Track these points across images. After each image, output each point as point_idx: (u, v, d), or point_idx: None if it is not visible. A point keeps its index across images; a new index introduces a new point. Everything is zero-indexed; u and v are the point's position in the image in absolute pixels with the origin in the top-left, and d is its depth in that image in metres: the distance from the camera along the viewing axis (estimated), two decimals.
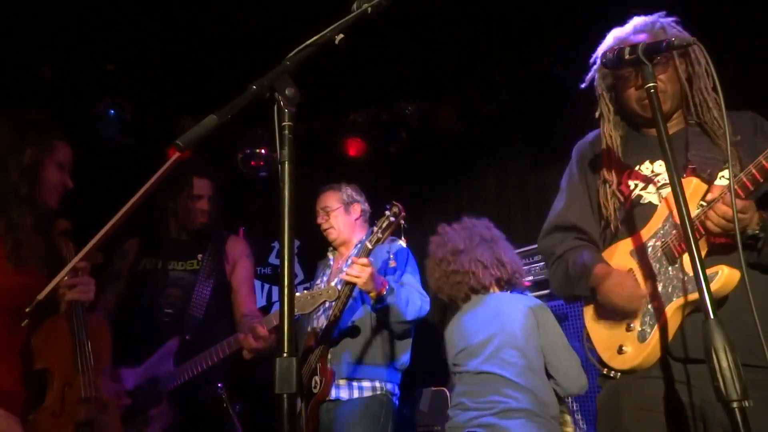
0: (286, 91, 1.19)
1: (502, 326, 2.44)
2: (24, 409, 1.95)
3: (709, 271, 1.54)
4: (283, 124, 1.17)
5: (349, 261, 2.80)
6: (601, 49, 1.88)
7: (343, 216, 3.07)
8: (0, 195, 1.95)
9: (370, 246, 2.63)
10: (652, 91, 1.45)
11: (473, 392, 2.40)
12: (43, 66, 3.71)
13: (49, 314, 2.03)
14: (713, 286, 1.49)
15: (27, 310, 1.78)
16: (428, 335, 4.41)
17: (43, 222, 2.09)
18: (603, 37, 1.94)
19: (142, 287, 2.73)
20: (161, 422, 2.50)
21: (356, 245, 3.04)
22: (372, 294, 2.65)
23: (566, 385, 2.39)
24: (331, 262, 3.13)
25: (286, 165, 1.14)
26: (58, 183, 2.13)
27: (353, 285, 2.63)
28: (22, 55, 3.52)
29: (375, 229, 2.65)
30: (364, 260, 2.59)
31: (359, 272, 2.57)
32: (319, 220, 3.10)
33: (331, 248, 3.17)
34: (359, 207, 3.12)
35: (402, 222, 2.64)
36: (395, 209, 2.63)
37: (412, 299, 2.78)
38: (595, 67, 1.92)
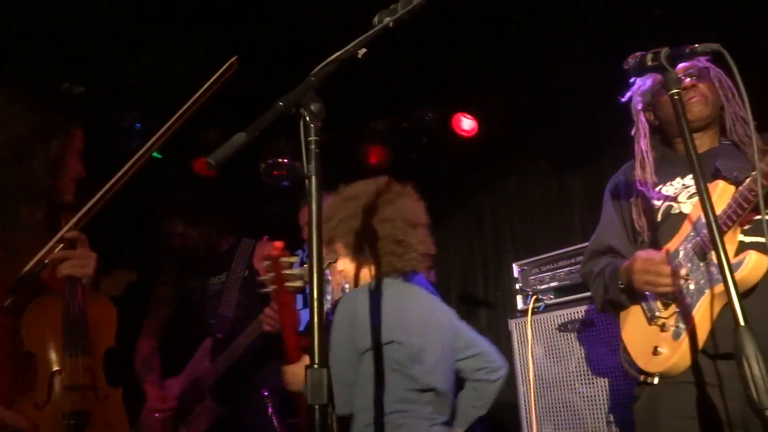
0: (312, 107, 1.22)
1: None
2: (7, 400, 1.68)
3: (736, 258, 1.55)
4: (309, 138, 1.20)
5: None
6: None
7: None
8: (7, 190, 1.69)
9: None
10: (676, 97, 1.45)
11: None
12: (71, 81, 3.80)
13: (42, 295, 1.77)
14: (740, 274, 1.50)
15: (9, 287, 1.59)
16: None
17: (54, 216, 1.88)
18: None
19: (188, 306, 2.91)
20: (207, 417, 2.66)
21: None
22: None
23: None
24: (329, 277, 3.13)
25: (313, 179, 1.16)
26: (75, 174, 1.95)
27: None
28: (51, 71, 3.61)
29: None
30: None
31: None
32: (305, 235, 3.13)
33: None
34: None
35: None
36: None
37: None
38: (634, 87, 1.98)
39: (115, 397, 1.82)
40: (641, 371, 1.80)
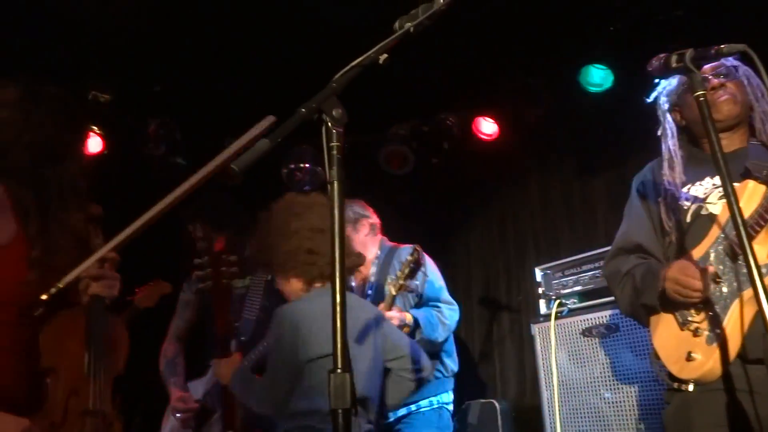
0: (334, 113, 1.22)
1: None
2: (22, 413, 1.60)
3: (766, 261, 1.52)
4: (332, 144, 1.20)
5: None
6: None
7: (351, 235, 3.04)
8: (46, 190, 1.62)
9: (394, 293, 2.66)
10: (702, 99, 1.43)
11: None
12: (98, 89, 3.87)
13: (65, 309, 1.71)
14: None
15: (43, 297, 1.55)
16: (475, 348, 4.40)
17: (85, 224, 1.80)
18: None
19: (212, 309, 2.93)
20: (231, 419, 2.65)
21: (373, 262, 3.06)
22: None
23: None
24: (352, 283, 3.14)
25: (336, 184, 1.17)
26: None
27: None
28: (78, 80, 3.69)
29: (398, 274, 2.68)
30: (388, 315, 2.60)
31: None
32: None
33: None
34: (367, 222, 3.09)
35: (424, 270, 2.70)
36: (416, 255, 2.67)
37: (441, 321, 2.83)
38: (661, 90, 1.96)
39: (118, 425, 1.77)
40: (674, 378, 1.76)
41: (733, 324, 1.64)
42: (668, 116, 1.96)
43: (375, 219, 3.15)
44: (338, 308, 1.08)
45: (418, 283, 2.74)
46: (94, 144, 3.86)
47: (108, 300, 1.74)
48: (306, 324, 1.99)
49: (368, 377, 2.08)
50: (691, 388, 1.72)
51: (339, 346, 1.04)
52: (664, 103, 1.98)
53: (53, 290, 1.56)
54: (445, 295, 2.95)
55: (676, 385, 1.75)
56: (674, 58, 1.49)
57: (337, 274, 1.11)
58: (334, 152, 1.19)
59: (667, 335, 1.81)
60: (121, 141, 4.04)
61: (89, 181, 1.75)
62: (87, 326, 1.70)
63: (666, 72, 1.55)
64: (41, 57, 3.50)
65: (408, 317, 2.71)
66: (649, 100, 2.03)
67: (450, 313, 2.88)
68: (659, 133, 1.98)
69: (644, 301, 1.85)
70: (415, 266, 2.64)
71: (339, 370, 1.04)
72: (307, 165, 4.59)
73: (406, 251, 2.91)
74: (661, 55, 1.56)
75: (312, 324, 1.98)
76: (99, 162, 3.87)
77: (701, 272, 1.68)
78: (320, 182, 4.65)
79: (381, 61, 1.35)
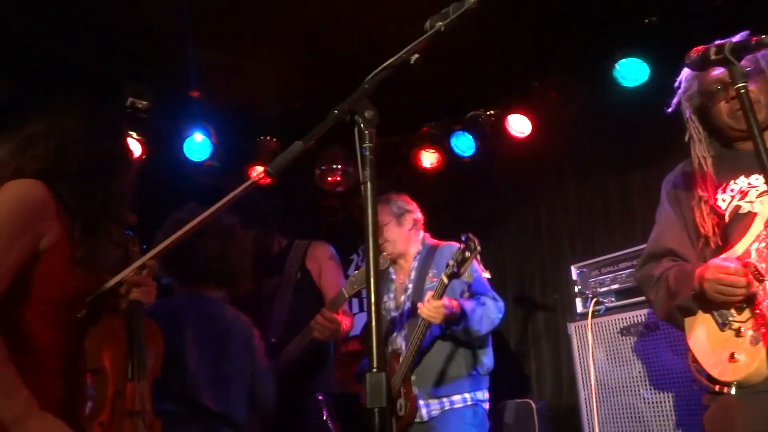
0: (366, 114, 1.23)
1: None
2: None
3: None
4: (364, 145, 1.21)
5: (426, 296, 2.80)
6: (682, 75, 1.89)
7: (395, 229, 3.06)
8: (94, 198, 1.64)
9: (446, 281, 2.66)
10: (743, 91, 1.39)
11: None
12: (136, 97, 3.97)
13: (107, 313, 1.77)
14: None
15: (87, 299, 1.61)
16: (510, 348, 4.36)
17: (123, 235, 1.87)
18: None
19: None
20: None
21: (415, 257, 3.07)
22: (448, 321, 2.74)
23: None
24: (393, 276, 3.15)
25: (369, 185, 1.18)
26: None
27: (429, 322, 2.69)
28: (118, 88, 3.79)
29: (450, 262, 2.66)
30: (439, 303, 2.64)
31: (435, 314, 2.64)
32: None
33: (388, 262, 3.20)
34: (411, 217, 3.11)
35: (478, 257, 2.64)
36: (471, 244, 2.62)
37: (486, 314, 2.82)
38: (680, 91, 1.91)
39: (157, 426, 1.83)
40: (715, 381, 1.71)
41: None
42: (692, 123, 1.92)
43: (418, 214, 3.16)
44: (373, 308, 1.09)
45: (470, 271, 2.73)
46: (134, 149, 3.96)
47: (147, 306, 1.83)
48: None
49: (236, 392, 2.28)
50: (733, 391, 1.66)
51: (374, 345, 1.05)
52: (685, 109, 1.94)
53: (97, 293, 1.63)
54: (491, 290, 2.95)
55: (717, 387, 1.70)
56: (713, 50, 1.46)
57: (372, 275, 1.12)
58: (367, 153, 1.20)
59: (705, 337, 1.76)
60: (159, 146, 4.13)
61: (133, 192, 1.81)
62: (128, 330, 1.78)
63: (704, 65, 1.51)
64: (81, 64, 3.61)
65: (455, 305, 2.72)
66: (670, 109, 1.98)
67: (495, 308, 2.88)
68: (686, 139, 1.94)
69: (679, 303, 1.81)
70: (469, 254, 2.61)
71: (375, 370, 1.04)
72: (339, 166, 4.62)
73: (448, 248, 2.94)
74: (699, 48, 1.52)
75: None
76: (138, 167, 3.96)
77: (743, 269, 1.64)
78: (353, 183, 4.67)
79: (412, 62, 1.36)
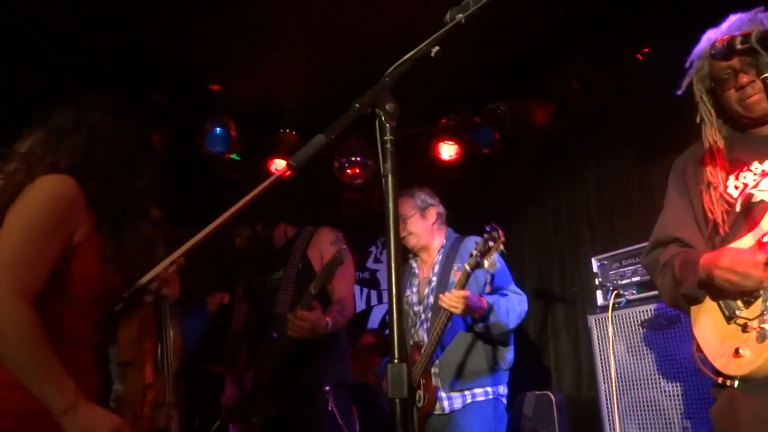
0: (387, 107, 1.23)
1: None
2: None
3: None
4: (385, 138, 1.21)
5: (451, 283, 2.79)
6: (695, 53, 1.84)
7: (419, 222, 3.05)
8: (122, 195, 1.66)
9: (469, 270, 2.64)
10: None
11: None
12: (155, 90, 4.01)
13: (138, 307, 1.83)
14: None
15: (125, 294, 1.66)
16: (530, 341, 4.35)
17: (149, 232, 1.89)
18: (703, 23, 1.88)
19: (252, 303, 2.95)
20: (261, 416, 2.69)
21: (438, 251, 3.06)
22: (474, 316, 2.72)
23: None
24: (416, 270, 3.15)
25: (390, 178, 1.18)
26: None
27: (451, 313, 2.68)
28: (136, 81, 3.83)
29: (474, 252, 2.63)
30: (460, 293, 2.62)
31: (456, 303, 2.62)
32: None
33: (411, 254, 3.18)
34: (435, 210, 3.10)
35: (501, 247, 2.59)
36: (495, 234, 2.59)
37: (512, 307, 2.81)
38: (690, 70, 1.86)
39: (176, 415, 1.91)
40: (719, 373, 1.68)
41: None
42: (704, 102, 1.86)
43: (442, 208, 3.16)
44: (395, 300, 1.10)
45: (492, 261, 2.69)
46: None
47: (171, 301, 1.91)
48: None
49: None
50: (736, 384, 1.63)
51: (396, 336, 1.06)
52: (697, 91, 1.87)
53: (133, 288, 1.66)
54: (514, 284, 2.93)
55: (720, 380, 1.67)
56: (739, 39, 1.42)
57: (393, 267, 1.12)
58: (388, 146, 1.20)
59: (711, 327, 1.73)
60: (178, 140, 4.17)
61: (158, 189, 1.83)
62: (157, 324, 1.88)
63: (730, 55, 1.48)
64: (102, 58, 3.65)
65: (483, 302, 2.72)
66: (680, 92, 1.91)
67: (519, 301, 2.87)
68: (697, 120, 1.88)
69: (684, 292, 1.76)
70: (493, 243, 2.58)
71: (396, 360, 1.05)
72: (358, 158, 4.63)
73: (472, 241, 2.93)
74: (725, 37, 1.48)
75: None
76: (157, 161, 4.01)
77: (759, 260, 1.59)
78: (372, 175, 4.68)
79: (433, 54, 1.35)
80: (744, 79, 1.73)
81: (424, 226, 3.07)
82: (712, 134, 1.82)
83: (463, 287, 2.64)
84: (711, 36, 1.80)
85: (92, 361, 1.61)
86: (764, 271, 1.59)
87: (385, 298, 5.17)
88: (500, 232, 2.59)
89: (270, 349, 2.69)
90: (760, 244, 1.65)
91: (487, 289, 2.90)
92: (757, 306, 1.62)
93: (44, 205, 1.50)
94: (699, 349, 1.75)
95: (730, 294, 1.67)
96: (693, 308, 1.80)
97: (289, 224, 3.02)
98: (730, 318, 1.67)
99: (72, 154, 1.60)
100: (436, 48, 1.34)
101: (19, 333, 1.39)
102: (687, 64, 1.89)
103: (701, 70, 1.85)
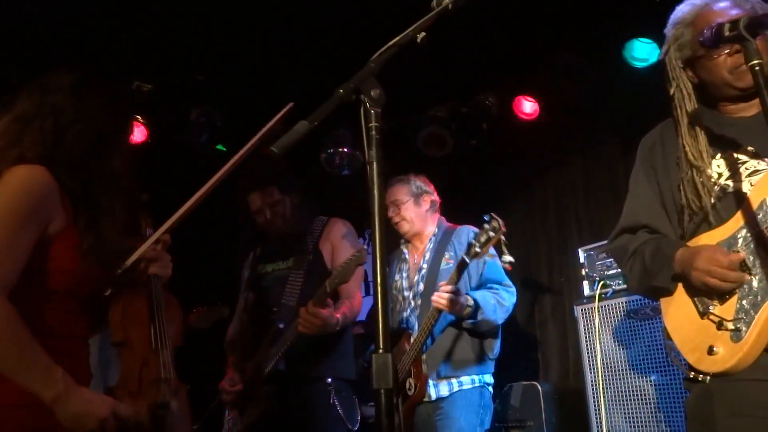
0: (372, 93, 1.21)
1: None
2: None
3: None
4: (370, 125, 1.19)
5: (443, 271, 2.81)
6: (674, 19, 1.74)
7: (413, 208, 3.07)
8: (95, 180, 1.61)
9: (468, 260, 2.64)
10: (757, 68, 1.34)
11: None
12: (140, 79, 3.96)
13: (127, 288, 1.86)
14: None
15: (114, 278, 1.65)
16: (517, 331, 4.36)
17: (131, 212, 1.87)
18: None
19: (258, 290, 2.89)
20: (261, 407, 2.66)
21: (430, 239, 3.07)
22: (462, 314, 2.73)
23: None
24: (407, 256, 3.15)
25: (375, 165, 1.16)
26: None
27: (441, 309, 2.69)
28: (122, 70, 3.77)
29: (473, 242, 2.61)
30: (448, 288, 2.63)
31: (444, 300, 2.64)
32: (390, 214, 3.08)
33: (403, 240, 3.18)
34: (429, 198, 3.11)
35: (502, 237, 2.55)
36: (495, 223, 2.56)
37: (499, 302, 2.82)
38: (668, 38, 1.75)
39: (183, 391, 1.94)
40: (691, 367, 1.64)
41: (764, 323, 1.51)
42: (683, 74, 1.72)
43: (436, 197, 3.16)
44: (380, 289, 1.08)
45: (494, 253, 2.68)
46: (138, 133, 3.95)
47: (164, 280, 1.89)
48: None
49: None
50: (708, 380, 1.60)
51: (381, 326, 1.04)
52: (677, 59, 1.73)
53: (119, 271, 1.66)
54: (505, 277, 2.93)
55: (692, 375, 1.64)
56: (727, 26, 1.40)
57: (378, 256, 1.11)
58: (373, 132, 1.18)
59: (683, 319, 1.67)
60: (164, 130, 4.12)
61: (135, 169, 1.76)
62: (148, 303, 1.89)
63: (718, 42, 1.45)
64: (85, 47, 3.59)
65: (469, 300, 2.73)
66: (661, 57, 1.78)
67: (508, 295, 2.87)
68: (671, 92, 1.74)
69: (656, 284, 1.70)
70: (493, 233, 2.55)
71: (381, 350, 1.04)
72: (345, 149, 4.60)
73: (465, 231, 2.94)
74: (713, 25, 1.46)
75: None
76: (143, 151, 3.96)
77: (734, 261, 1.54)
78: (359, 166, 4.65)
79: (419, 40, 1.33)
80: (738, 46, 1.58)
81: (418, 213, 3.07)
82: (692, 108, 1.71)
83: (459, 278, 2.65)
84: (694, 0, 1.71)
85: (75, 352, 1.58)
86: (740, 272, 1.55)
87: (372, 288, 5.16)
88: (500, 222, 2.56)
89: (275, 339, 2.65)
90: (734, 238, 1.60)
91: (478, 282, 2.90)
92: (732, 304, 1.58)
93: (14, 197, 1.46)
94: (670, 340, 1.71)
95: (704, 294, 1.62)
96: (663, 300, 1.74)
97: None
98: (703, 313, 1.62)
99: (39, 143, 1.53)
100: (422, 34, 1.32)
101: None
102: (665, 30, 1.77)
103: (681, 38, 1.73)
